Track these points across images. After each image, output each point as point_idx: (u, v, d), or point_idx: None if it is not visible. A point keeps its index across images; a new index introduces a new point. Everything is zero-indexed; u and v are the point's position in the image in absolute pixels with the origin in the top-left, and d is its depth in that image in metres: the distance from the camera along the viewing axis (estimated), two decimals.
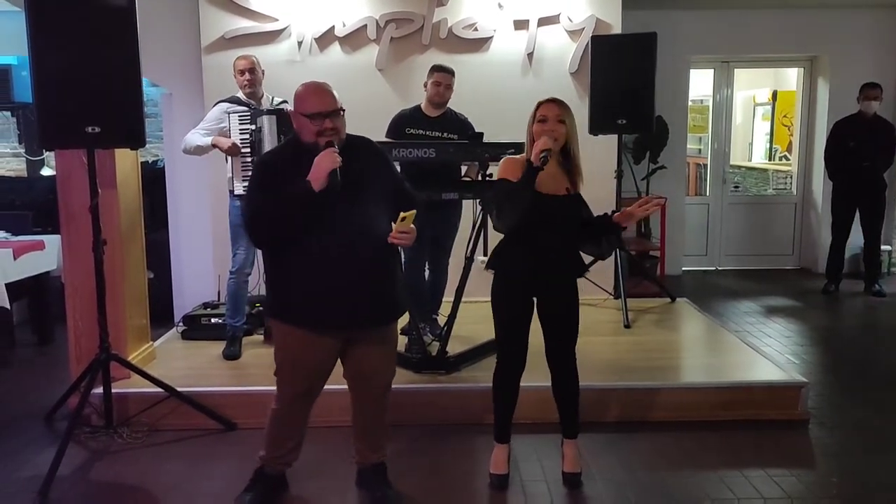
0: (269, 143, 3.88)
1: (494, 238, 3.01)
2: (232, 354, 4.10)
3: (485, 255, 3.63)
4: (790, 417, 3.58)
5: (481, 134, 3.96)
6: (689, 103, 7.21)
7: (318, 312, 2.54)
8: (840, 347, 5.01)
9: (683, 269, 7.24)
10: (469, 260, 3.80)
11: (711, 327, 4.79)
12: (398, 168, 3.24)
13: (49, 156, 6.00)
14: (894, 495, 2.95)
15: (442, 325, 4.02)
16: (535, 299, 2.88)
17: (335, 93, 2.56)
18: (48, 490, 2.91)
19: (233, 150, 4.01)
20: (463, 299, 3.85)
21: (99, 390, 3.42)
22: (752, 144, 8.63)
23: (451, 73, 4.24)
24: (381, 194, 2.63)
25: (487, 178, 3.78)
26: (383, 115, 4.31)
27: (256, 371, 3.82)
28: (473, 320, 3.89)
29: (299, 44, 5.29)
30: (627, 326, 4.71)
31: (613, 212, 2.95)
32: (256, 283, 4.30)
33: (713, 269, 7.49)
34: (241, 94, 4.18)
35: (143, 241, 4.04)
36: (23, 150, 6.38)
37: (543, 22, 5.39)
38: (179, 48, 5.31)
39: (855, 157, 6.08)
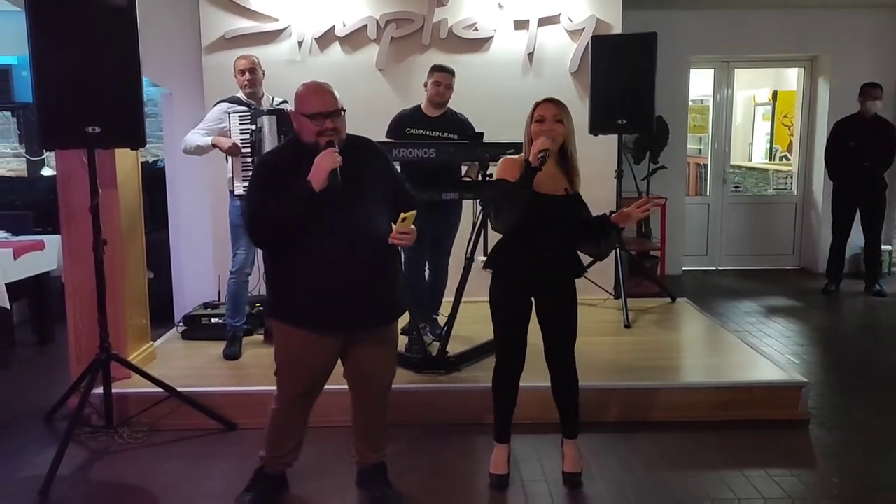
0: (269, 143, 3.88)
1: (494, 238, 3.01)
2: (232, 354, 4.10)
3: (485, 255, 3.63)
4: (790, 417, 3.58)
5: (481, 134, 3.96)
6: (690, 103, 7.20)
7: (319, 313, 2.54)
8: (840, 347, 5.01)
9: (684, 269, 7.24)
10: (469, 260, 3.80)
11: (712, 327, 4.79)
12: (398, 168, 3.23)
13: (49, 156, 6.00)
14: (895, 495, 2.94)
15: (442, 326, 4.02)
16: (533, 299, 2.87)
17: (336, 93, 2.56)
18: (48, 490, 2.91)
19: (233, 150, 4.01)
20: (463, 299, 3.85)
21: (99, 390, 3.42)
22: (753, 144, 8.64)
23: (451, 72, 4.24)
24: (381, 194, 2.63)
25: (487, 178, 3.77)
26: (383, 115, 4.31)
27: (256, 371, 3.82)
28: (474, 320, 3.89)
29: (299, 44, 5.29)
30: (628, 326, 4.71)
31: (612, 212, 2.95)
32: (257, 284, 4.31)
33: (713, 269, 7.49)
34: (241, 94, 4.18)
35: (144, 241, 4.04)
36: (23, 150, 6.38)
37: (544, 22, 5.39)
38: (180, 48, 5.31)
39: (855, 157, 6.08)
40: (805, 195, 7.45)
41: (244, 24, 5.25)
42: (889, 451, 3.33)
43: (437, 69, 4.24)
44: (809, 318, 5.65)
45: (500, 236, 2.90)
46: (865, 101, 6.07)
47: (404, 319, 3.33)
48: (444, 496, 2.92)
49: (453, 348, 3.86)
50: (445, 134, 4.20)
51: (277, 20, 5.26)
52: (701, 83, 7.42)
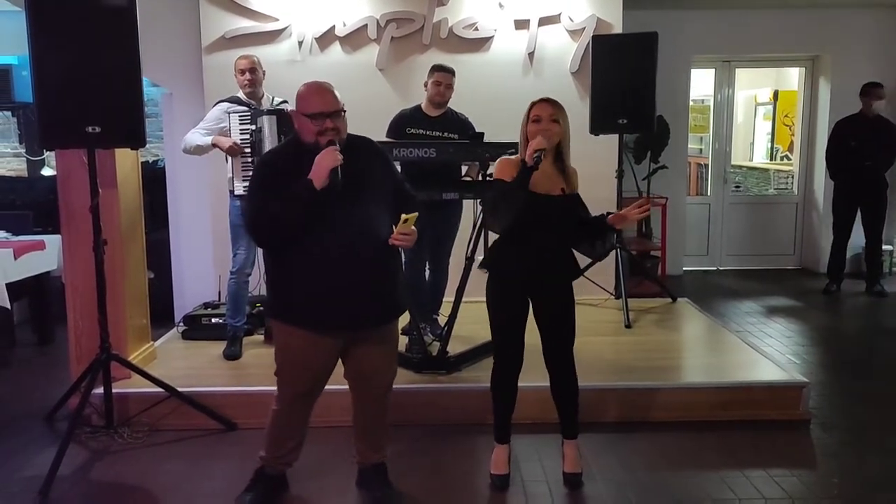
0: (269, 143, 3.88)
1: (495, 238, 3.00)
2: (232, 354, 4.10)
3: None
4: (791, 417, 3.58)
5: (482, 134, 3.96)
6: (691, 103, 7.20)
7: (319, 313, 2.54)
8: (841, 347, 5.00)
9: (684, 268, 7.23)
10: (469, 260, 3.79)
11: (712, 327, 4.79)
12: (399, 168, 3.23)
13: (49, 156, 6.00)
14: (895, 495, 2.94)
15: (442, 325, 4.01)
16: (530, 300, 2.87)
17: (336, 93, 2.56)
18: (49, 490, 2.91)
19: (233, 150, 4.01)
20: (463, 299, 3.85)
21: (99, 390, 3.42)
22: (754, 144, 8.63)
23: (451, 72, 4.24)
24: (381, 194, 2.63)
25: (488, 178, 3.77)
26: (384, 115, 4.30)
27: (257, 371, 3.82)
28: (474, 320, 3.88)
29: (300, 44, 5.29)
30: (628, 326, 4.70)
31: (609, 213, 2.94)
32: (257, 284, 4.31)
33: (714, 268, 7.49)
34: (241, 94, 4.18)
35: (144, 241, 4.03)
36: (23, 150, 6.38)
37: (544, 21, 5.39)
38: (180, 48, 5.31)
39: (856, 157, 6.07)
40: (806, 195, 7.45)
41: (244, 24, 5.25)
42: (889, 451, 3.32)
43: (437, 69, 4.24)
44: (810, 318, 5.65)
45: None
46: (870, 100, 6.06)
47: (405, 319, 3.33)
48: (444, 496, 2.92)
49: (454, 348, 3.86)
50: (446, 134, 4.20)
51: (278, 20, 5.26)
52: (702, 83, 7.42)
